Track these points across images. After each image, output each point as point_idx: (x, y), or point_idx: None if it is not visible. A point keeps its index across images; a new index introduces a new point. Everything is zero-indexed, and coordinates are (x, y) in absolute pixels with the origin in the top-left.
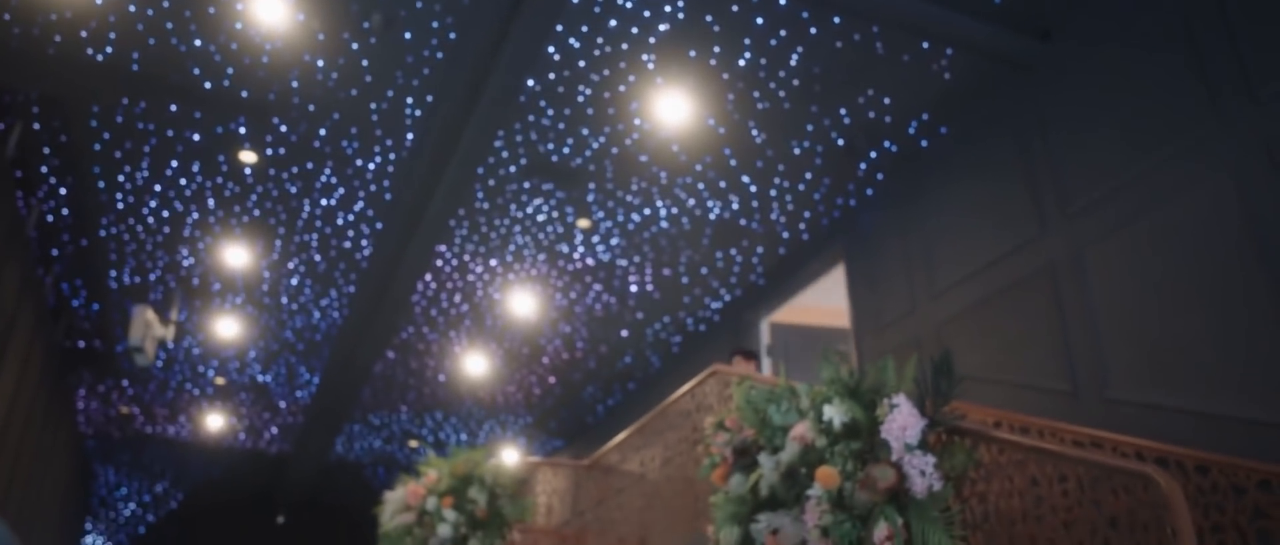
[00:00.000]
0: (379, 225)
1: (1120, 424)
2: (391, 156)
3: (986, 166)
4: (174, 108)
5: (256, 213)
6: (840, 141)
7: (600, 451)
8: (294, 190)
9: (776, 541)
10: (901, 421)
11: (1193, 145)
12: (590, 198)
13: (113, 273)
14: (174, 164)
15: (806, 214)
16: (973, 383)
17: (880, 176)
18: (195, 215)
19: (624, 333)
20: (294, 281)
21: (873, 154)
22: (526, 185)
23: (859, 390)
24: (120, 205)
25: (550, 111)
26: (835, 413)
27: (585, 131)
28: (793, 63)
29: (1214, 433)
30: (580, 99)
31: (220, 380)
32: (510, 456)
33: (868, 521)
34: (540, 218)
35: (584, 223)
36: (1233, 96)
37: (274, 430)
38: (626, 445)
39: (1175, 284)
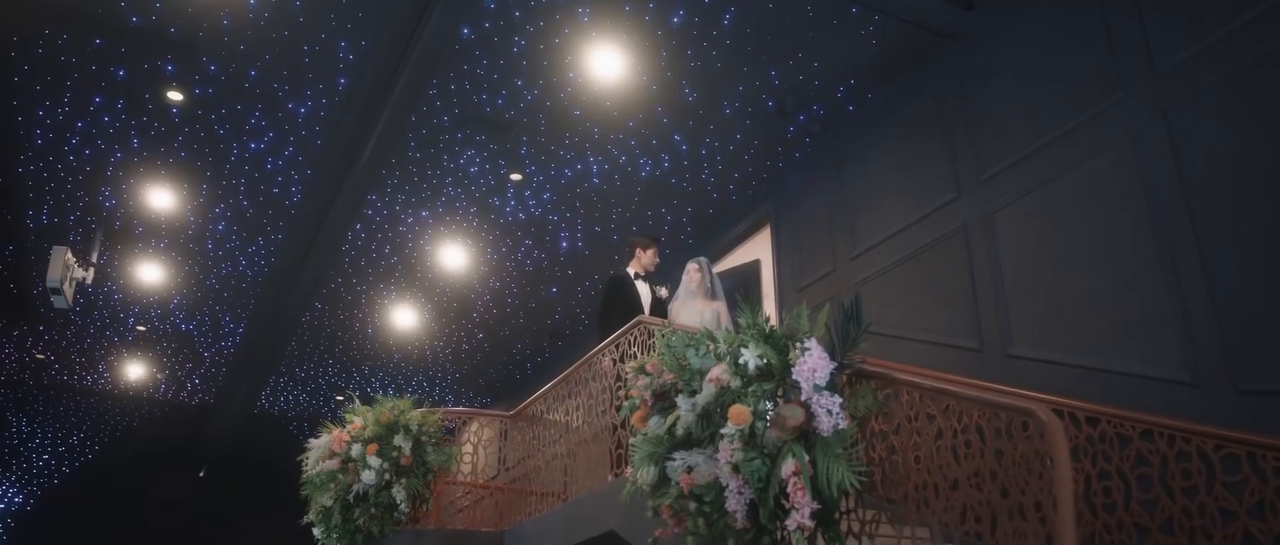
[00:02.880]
0: (309, 171)
1: (1022, 379)
2: (323, 101)
3: (909, 132)
4: (98, 42)
5: (183, 154)
6: (770, 104)
7: (526, 402)
8: (222, 132)
9: (691, 479)
10: (812, 364)
11: (1099, 114)
12: (523, 151)
13: (30, 212)
14: (97, 100)
15: (736, 174)
16: (888, 340)
17: (808, 140)
18: (118, 155)
19: (553, 289)
20: (220, 227)
21: (801, 117)
22: (459, 136)
23: (774, 336)
24: (39, 142)
25: (485, 61)
26: (751, 356)
27: (519, 83)
28: (725, 23)
29: (1106, 387)
30: (515, 50)
31: (141, 328)
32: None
33: (777, 459)
34: (472, 169)
35: (516, 176)
36: (1136, 68)
37: (196, 381)
38: (551, 395)
39: (1076, 246)
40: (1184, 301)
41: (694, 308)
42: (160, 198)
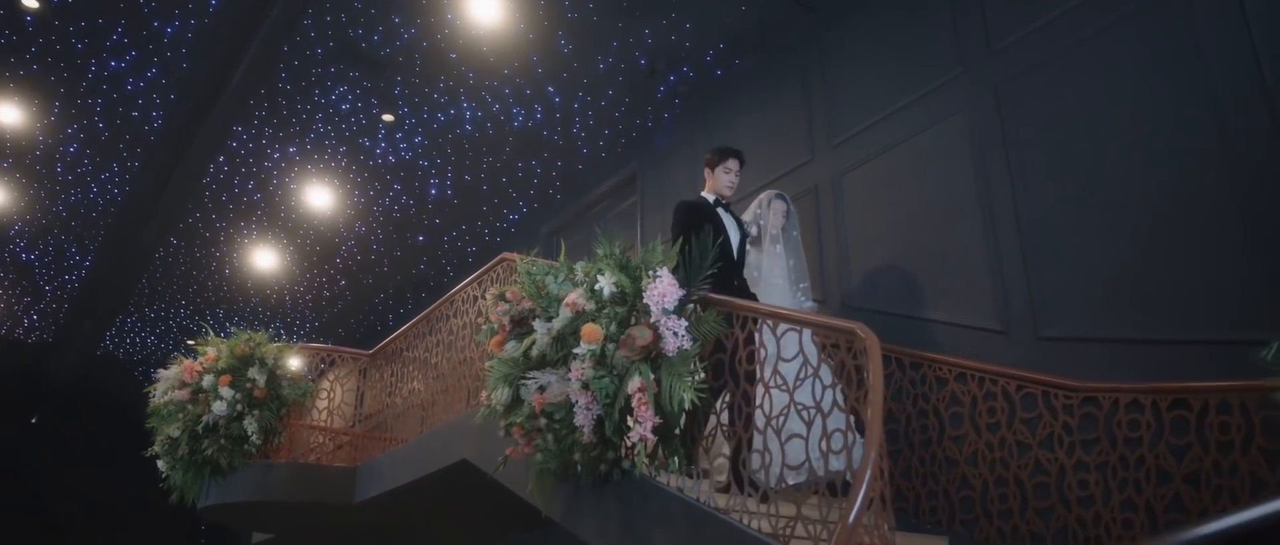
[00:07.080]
0: (172, 96)
1: None
2: (192, 22)
3: (771, 98)
4: None
5: (35, 67)
6: (643, 62)
7: (387, 340)
8: (80, 47)
9: (543, 398)
10: (662, 289)
11: (939, 87)
12: (396, 90)
13: None
14: None
15: (605, 131)
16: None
17: (677, 101)
18: None
19: (420, 238)
20: (72, 149)
21: (671, 78)
22: (332, 70)
23: (629, 265)
24: None
25: None
26: (606, 282)
27: (396, 20)
28: None
29: (930, 336)
30: None
31: None
32: (294, 363)
33: (625, 377)
34: (344, 106)
35: (388, 117)
36: (974, 46)
37: (34, 317)
38: (412, 333)
39: (911, 207)
40: (999, 259)
41: (778, 257)
42: (6, 113)
